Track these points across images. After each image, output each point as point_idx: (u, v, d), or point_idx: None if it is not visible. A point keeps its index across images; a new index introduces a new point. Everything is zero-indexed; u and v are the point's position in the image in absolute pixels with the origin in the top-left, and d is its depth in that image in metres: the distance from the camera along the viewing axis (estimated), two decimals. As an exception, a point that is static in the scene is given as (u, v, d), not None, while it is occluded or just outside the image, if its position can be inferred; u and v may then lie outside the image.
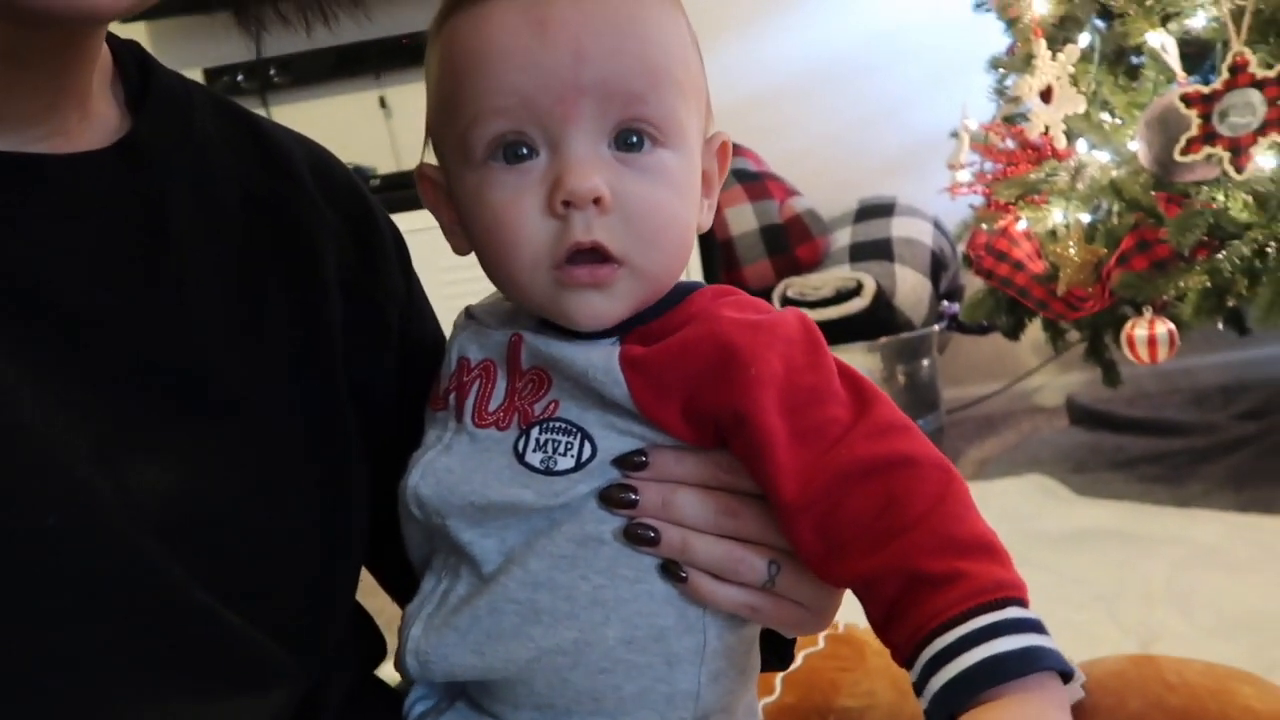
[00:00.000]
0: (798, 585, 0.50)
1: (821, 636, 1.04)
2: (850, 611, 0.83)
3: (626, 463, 0.50)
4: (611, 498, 0.49)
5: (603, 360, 0.49)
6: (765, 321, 0.49)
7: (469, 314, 0.57)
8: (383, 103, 2.55)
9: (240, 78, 2.52)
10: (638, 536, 0.49)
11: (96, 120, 0.48)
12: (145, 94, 0.51)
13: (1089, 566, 1.47)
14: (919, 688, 0.43)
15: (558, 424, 0.50)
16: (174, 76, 0.54)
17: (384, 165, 2.43)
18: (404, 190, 2.29)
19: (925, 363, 2.16)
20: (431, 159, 0.55)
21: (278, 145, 0.56)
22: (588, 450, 0.50)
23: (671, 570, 0.50)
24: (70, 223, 0.45)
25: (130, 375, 0.45)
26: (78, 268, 0.45)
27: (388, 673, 0.64)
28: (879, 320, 2.05)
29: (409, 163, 2.78)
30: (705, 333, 0.48)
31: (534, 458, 0.50)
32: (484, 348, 0.54)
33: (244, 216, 0.53)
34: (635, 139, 0.49)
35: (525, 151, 0.48)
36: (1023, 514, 1.72)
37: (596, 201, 0.47)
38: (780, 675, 0.99)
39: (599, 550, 0.50)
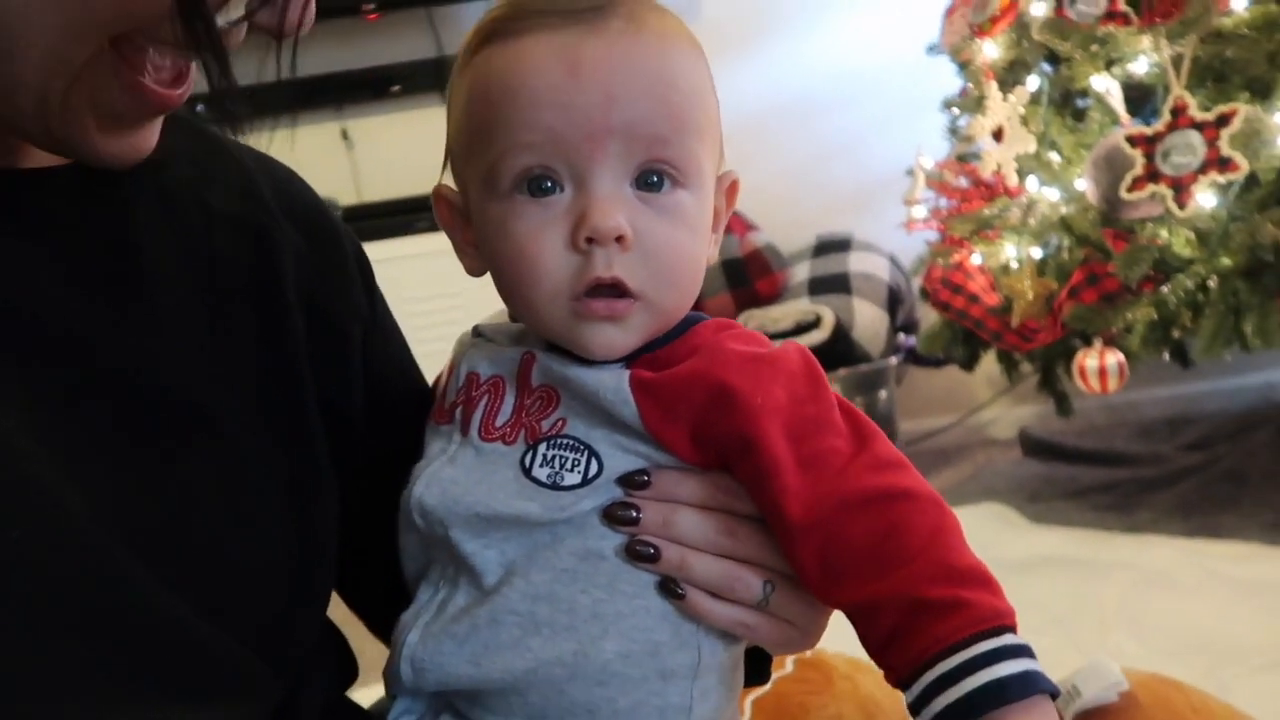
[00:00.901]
0: (790, 605, 0.52)
1: (790, 660, 1.05)
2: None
3: (630, 481, 0.51)
4: (614, 515, 0.51)
5: (613, 381, 0.50)
6: (768, 355, 0.51)
7: (477, 332, 0.59)
8: (344, 135, 2.55)
9: (199, 108, 2.51)
10: (638, 553, 0.51)
11: None
12: None
13: (1046, 591, 1.49)
14: (916, 708, 0.45)
15: (565, 440, 0.52)
16: None
17: (346, 197, 2.43)
18: (367, 222, 2.31)
19: (883, 394, 2.19)
20: (449, 180, 0.56)
21: (237, 162, 0.57)
22: (594, 467, 0.51)
23: (669, 587, 0.51)
24: (32, 239, 0.45)
25: (98, 391, 0.45)
26: (42, 284, 0.44)
27: (361, 696, 0.64)
28: (838, 352, 2.08)
29: (371, 195, 2.77)
30: (712, 363, 0.50)
31: (541, 472, 0.51)
32: (495, 364, 0.55)
33: (208, 234, 0.53)
34: (656, 179, 0.51)
35: (550, 185, 0.50)
36: (981, 542, 1.72)
37: (619, 239, 0.49)
38: (750, 699, 1.00)
39: (600, 565, 0.51)
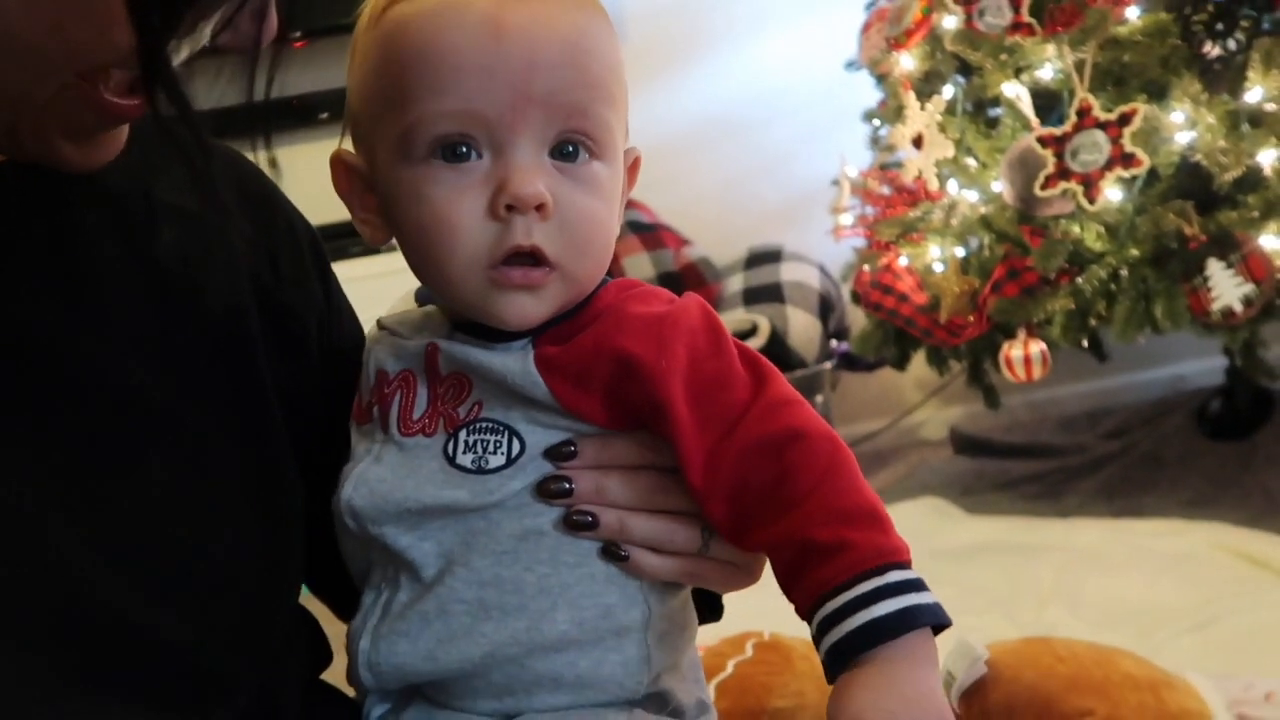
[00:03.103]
0: (728, 547, 0.53)
1: (750, 645, 1.08)
2: (776, 620, 0.87)
3: (557, 454, 0.52)
4: (547, 489, 0.51)
5: (519, 364, 0.51)
6: (669, 313, 0.51)
7: (380, 326, 0.58)
8: (273, 163, 2.53)
9: (123, 139, 2.47)
10: (576, 523, 0.51)
11: None
12: None
13: (985, 576, 1.54)
14: (817, 646, 0.47)
15: (484, 424, 0.52)
16: None
17: (277, 224, 2.40)
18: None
19: (819, 399, 2.25)
20: (347, 145, 0.55)
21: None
22: (516, 446, 0.51)
23: (612, 551, 0.52)
24: None
25: (56, 393, 0.45)
26: None
27: (335, 678, 0.64)
28: (774, 359, 2.07)
29: (301, 223, 2.74)
30: (616, 332, 0.50)
31: (465, 459, 0.51)
32: (400, 358, 0.55)
33: (155, 228, 0.52)
34: (572, 149, 0.50)
35: (467, 151, 0.49)
36: (921, 534, 1.80)
37: (539, 208, 0.49)
38: (714, 683, 1.03)
39: (540, 541, 0.51)
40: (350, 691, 0.61)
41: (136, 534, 0.46)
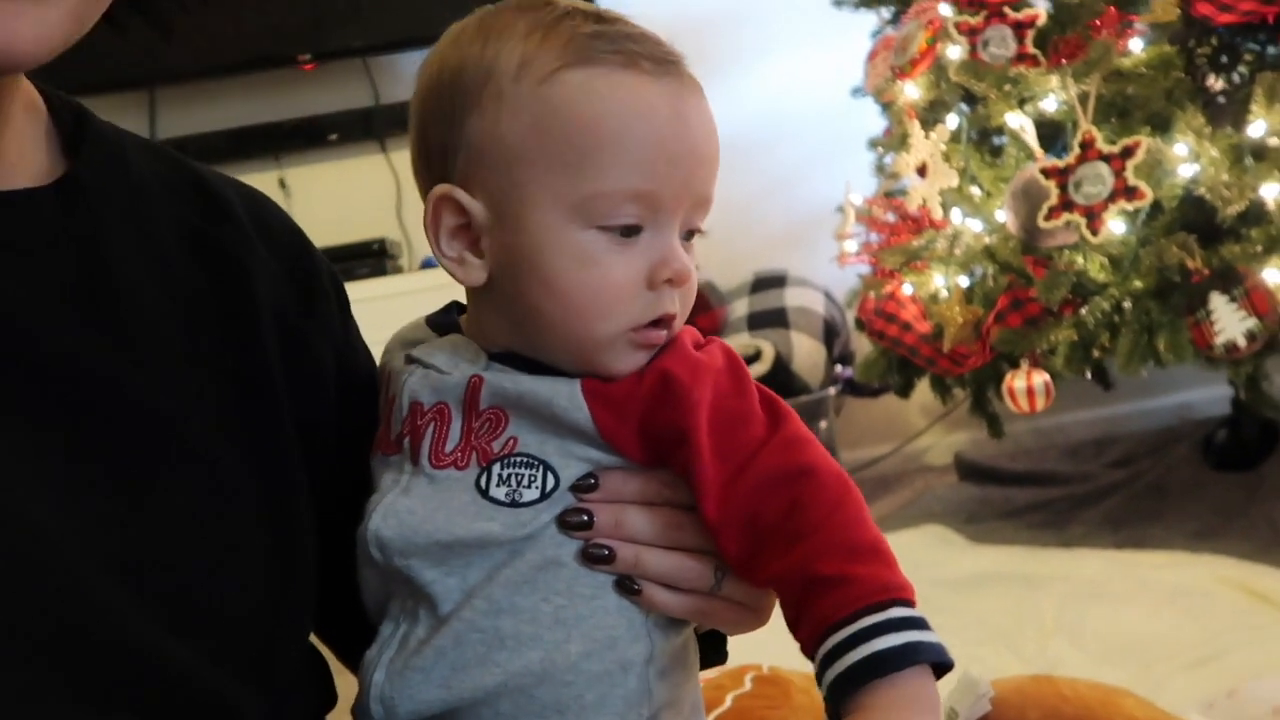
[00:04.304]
0: (740, 588, 0.54)
1: (748, 678, 1.08)
2: (775, 653, 0.87)
3: (579, 487, 0.53)
4: (569, 521, 0.52)
5: (566, 390, 0.52)
6: (701, 353, 0.54)
7: (410, 359, 0.58)
8: (282, 184, 2.55)
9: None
10: (594, 556, 0.52)
11: (19, 163, 0.48)
12: (81, 140, 0.51)
13: (987, 606, 1.54)
14: (819, 682, 0.47)
15: (519, 459, 0.53)
16: (108, 124, 0.54)
17: (285, 245, 2.42)
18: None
19: (824, 424, 2.25)
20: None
21: (215, 189, 0.57)
22: (551, 481, 0.52)
23: (626, 584, 0.52)
24: (10, 258, 0.45)
25: (77, 414, 0.45)
26: (21, 302, 0.45)
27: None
28: (778, 384, 2.12)
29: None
30: (657, 366, 0.53)
31: (499, 492, 0.52)
32: (437, 391, 0.55)
33: (184, 259, 0.53)
34: (693, 232, 0.55)
35: (638, 229, 0.52)
36: (924, 563, 1.79)
37: (685, 281, 0.53)
38: (712, 716, 1.02)
39: (559, 573, 0.52)
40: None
41: (150, 559, 0.46)
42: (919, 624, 0.46)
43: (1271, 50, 1.65)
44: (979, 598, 1.58)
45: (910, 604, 0.47)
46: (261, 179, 2.55)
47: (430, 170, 0.56)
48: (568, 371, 0.54)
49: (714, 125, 0.55)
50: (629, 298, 0.52)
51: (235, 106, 2.50)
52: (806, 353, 2.20)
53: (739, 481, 0.51)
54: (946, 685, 0.84)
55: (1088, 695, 0.84)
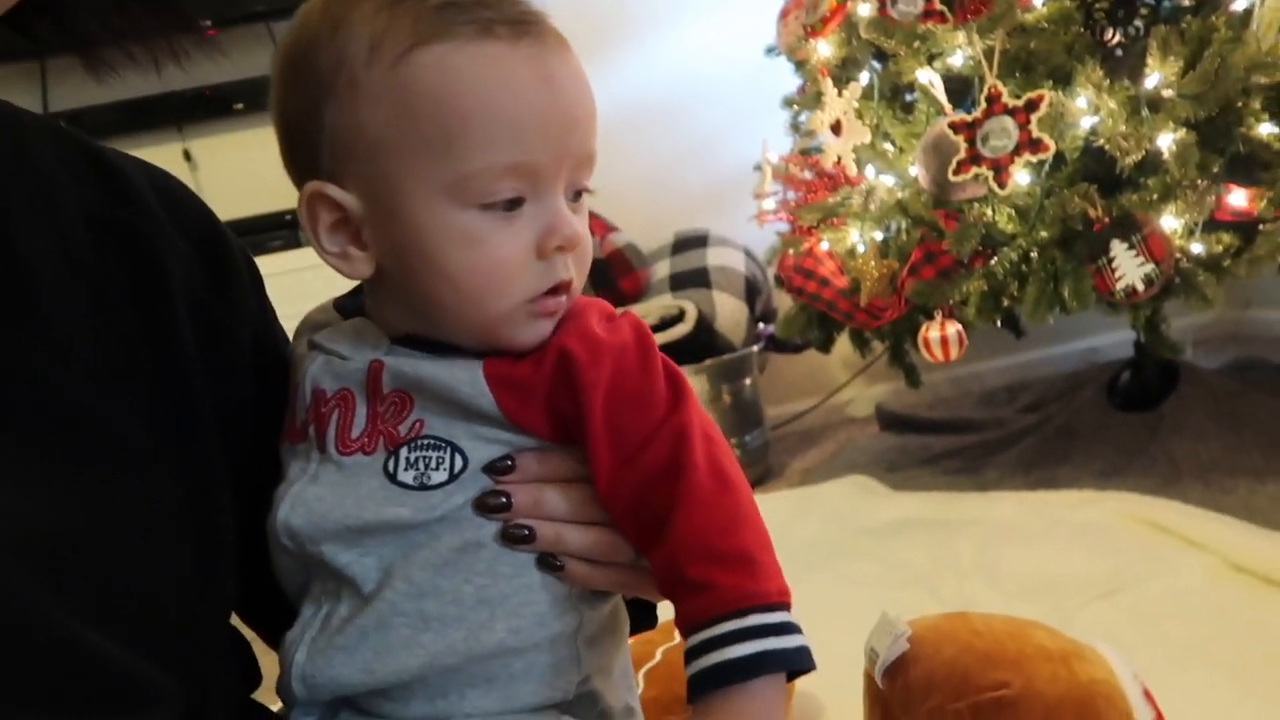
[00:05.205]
0: None
1: (678, 632, 1.10)
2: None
3: (494, 469, 0.53)
4: (487, 504, 0.52)
5: (468, 375, 0.52)
6: (607, 330, 0.54)
7: (312, 345, 0.58)
8: (187, 156, 2.46)
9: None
10: (514, 536, 0.52)
11: None
12: None
13: (908, 551, 1.58)
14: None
15: (426, 441, 0.52)
16: (2, 103, 0.52)
17: (193, 218, 2.34)
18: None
19: (747, 382, 2.28)
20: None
21: (118, 170, 0.55)
22: (459, 462, 0.52)
23: (548, 561, 0.53)
24: None
25: None
26: None
27: (264, 700, 0.64)
28: (702, 344, 2.15)
29: (218, 214, 2.68)
30: (556, 344, 0.52)
31: (406, 475, 0.52)
32: (339, 377, 0.55)
33: (91, 245, 0.51)
34: (579, 192, 0.54)
35: (519, 201, 0.51)
36: (846, 512, 1.84)
37: (576, 245, 0.53)
38: (643, 670, 1.04)
39: (479, 554, 0.52)
40: (276, 705, 0.61)
41: (66, 548, 0.45)
42: (779, 630, 0.47)
43: (1165, 3, 1.71)
44: (899, 543, 1.63)
45: (774, 608, 0.48)
46: (164, 151, 2.46)
47: (297, 160, 0.54)
48: (472, 348, 0.53)
49: (583, 79, 0.53)
50: (520, 271, 0.52)
51: (132, 76, 2.40)
52: (729, 312, 2.23)
53: (627, 471, 0.51)
54: (868, 627, 0.87)
55: (999, 629, 0.87)
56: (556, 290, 0.53)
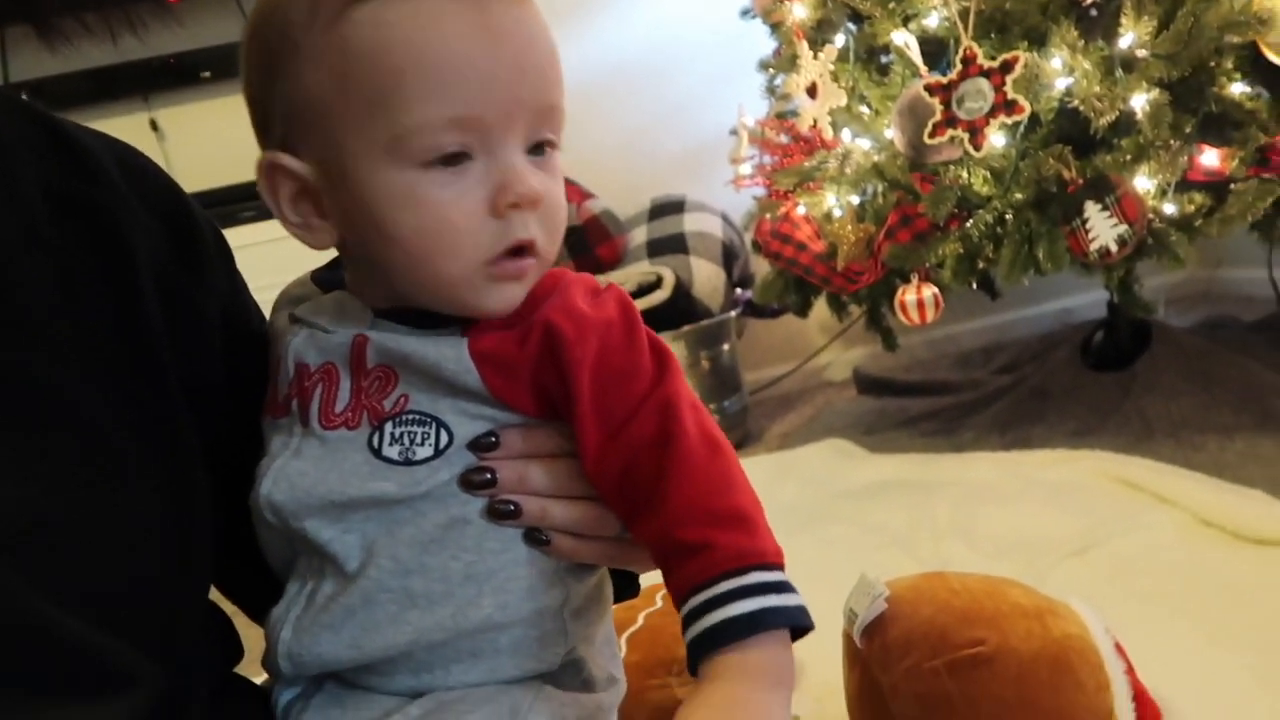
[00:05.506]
0: None
1: (659, 596, 1.11)
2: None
3: (479, 445, 0.52)
4: (471, 480, 0.52)
5: (453, 352, 0.51)
6: (592, 306, 0.53)
7: (294, 319, 0.57)
8: (154, 126, 2.42)
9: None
10: (500, 512, 0.52)
11: None
12: None
13: (885, 513, 1.60)
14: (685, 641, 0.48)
15: (411, 416, 0.52)
16: None
17: (162, 189, 2.30)
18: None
19: (726, 347, 2.28)
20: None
21: (80, 144, 0.54)
22: (445, 437, 0.52)
23: (535, 536, 0.53)
24: None
25: None
26: None
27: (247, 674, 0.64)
28: (680, 310, 2.15)
29: (187, 187, 2.63)
30: (541, 320, 0.52)
31: (391, 450, 0.52)
32: (323, 351, 0.55)
33: (54, 221, 0.51)
34: (541, 145, 0.52)
35: (466, 155, 0.49)
36: (825, 476, 1.86)
37: (534, 203, 0.50)
38: (625, 635, 1.05)
39: (466, 530, 0.52)
40: (260, 677, 0.61)
41: (37, 531, 0.45)
42: (778, 588, 0.47)
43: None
44: (877, 505, 1.64)
45: (772, 568, 0.48)
46: (130, 122, 2.42)
47: (261, 134, 0.54)
48: (449, 316, 0.53)
49: (537, 28, 0.50)
50: (473, 231, 0.50)
51: (96, 44, 2.35)
52: (706, 277, 2.23)
53: (615, 444, 0.51)
54: (846, 588, 0.88)
55: (975, 587, 0.88)
56: (520, 252, 0.51)
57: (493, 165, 0.50)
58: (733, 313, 2.29)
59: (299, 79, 0.50)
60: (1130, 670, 0.84)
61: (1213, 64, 1.43)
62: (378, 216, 0.50)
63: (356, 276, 0.57)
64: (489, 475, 0.52)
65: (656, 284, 2.15)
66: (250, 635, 0.62)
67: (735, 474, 0.51)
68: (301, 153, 0.52)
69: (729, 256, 2.31)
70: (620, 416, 0.51)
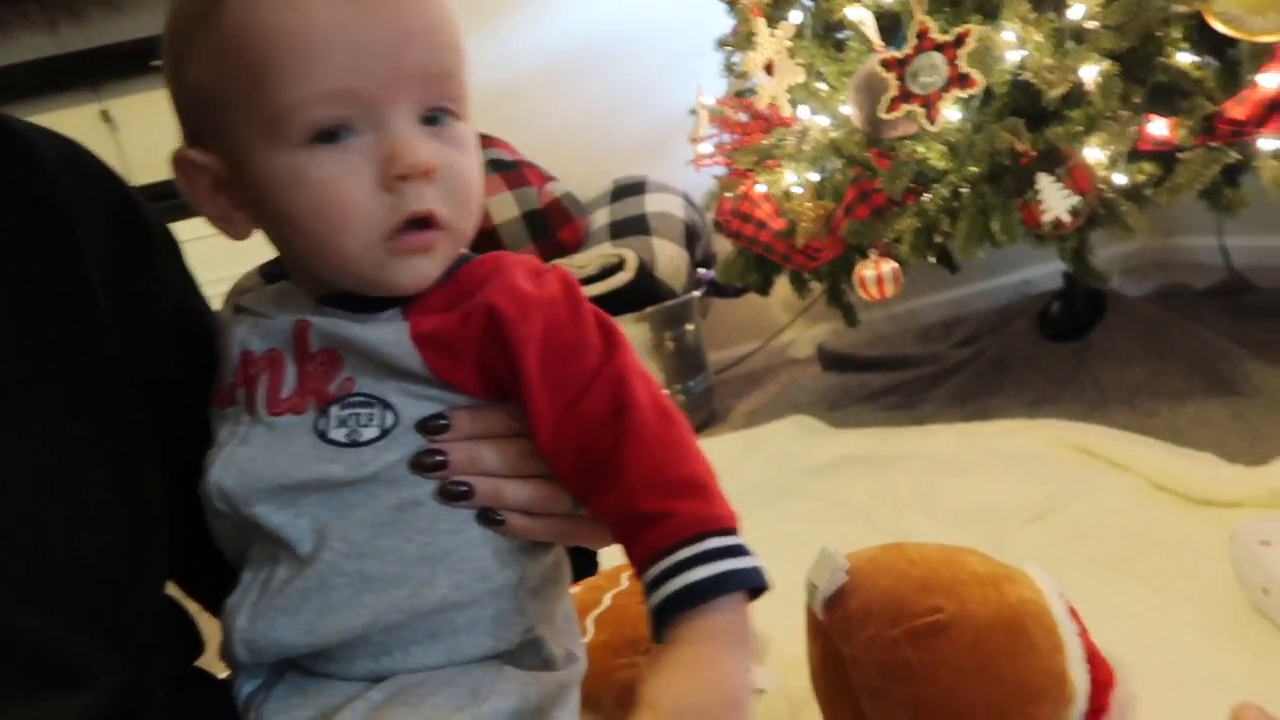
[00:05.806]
0: None
1: (624, 577, 1.12)
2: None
3: (428, 428, 0.53)
4: (423, 463, 0.52)
5: (394, 336, 0.51)
6: (535, 285, 0.53)
7: (238, 308, 0.57)
8: (105, 116, 2.37)
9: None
10: (453, 494, 0.53)
11: None
12: None
13: (849, 487, 1.61)
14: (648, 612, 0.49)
15: (356, 398, 0.52)
16: None
17: (115, 180, 2.27)
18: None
19: (690, 327, 2.29)
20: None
21: (22, 139, 0.54)
22: (390, 418, 0.52)
23: (488, 516, 0.53)
24: None
25: None
26: None
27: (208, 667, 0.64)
28: (643, 292, 2.15)
29: (141, 179, 2.60)
30: (482, 302, 0.52)
31: (338, 433, 0.52)
32: (267, 338, 0.55)
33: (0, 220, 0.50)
34: (438, 116, 0.51)
35: (346, 132, 0.49)
36: (790, 452, 1.87)
37: (426, 173, 0.50)
38: (591, 616, 1.06)
39: (418, 511, 0.52)
40: (223, 671, 0.61)
41: None
42: (735, 552, 0.48)
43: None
44: (840, 480, 1.66)
45: (728, 532, 0.48)
46: (81, 113, 2.37)
47: (181, 128, 0.54)
48: (386, 299, 0.53)
49: None
50: (365, 206, 0.49)
51: (43, 34, 2.30)
52: (669, 258, 2.23)
53: (569, 420, 0.51)
54: (809, 561, 0.90)
55: (933, 557, 0.90)
56: (419, 224, 0.51)
57: (381, 138, 0.50)
58: (696, 293, 2.29)
59: (194, 71, 0.51)
60: (1084, 632, 0.86)
61: (1160, 34, 1.45)
62: (272, 200, 0.51)
63: (290, 265, 0.57)
64: (440, 458, 0.52)
65: (619, 266, 2.15)
66: (211, 630, 0.62)
67: (688, 441, 0.51)
68: (208, 145, 0.52)
69: (691, 237, 2.32)
70: (572, 393, 0.51)
